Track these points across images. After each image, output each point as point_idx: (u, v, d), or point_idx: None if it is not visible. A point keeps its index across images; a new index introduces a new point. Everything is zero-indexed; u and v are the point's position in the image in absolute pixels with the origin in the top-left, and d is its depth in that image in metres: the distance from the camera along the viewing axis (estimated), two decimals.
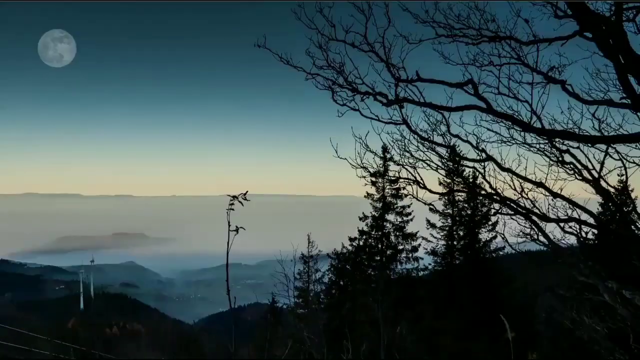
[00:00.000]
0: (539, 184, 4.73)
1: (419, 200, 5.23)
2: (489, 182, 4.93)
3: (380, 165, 21.70)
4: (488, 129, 5.02)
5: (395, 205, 21.90)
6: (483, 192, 5.11)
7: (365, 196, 22.27)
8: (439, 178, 21.55)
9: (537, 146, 4.96)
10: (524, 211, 4.94)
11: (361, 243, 22.12)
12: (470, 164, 5.01)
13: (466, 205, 22.31)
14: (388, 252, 21.78)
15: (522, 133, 4.85)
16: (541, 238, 6.49)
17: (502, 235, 6.35)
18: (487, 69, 4.76)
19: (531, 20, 5.85)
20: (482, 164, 4.98)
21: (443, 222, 22.26)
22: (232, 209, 2.62)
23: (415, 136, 4.82)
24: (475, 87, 4.51)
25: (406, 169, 5.09)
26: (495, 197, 5.23)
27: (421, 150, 5.87)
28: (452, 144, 4.84)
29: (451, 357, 18.58)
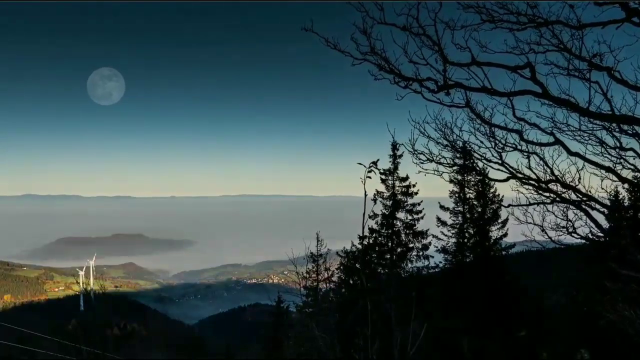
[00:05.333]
0: (609, 169, 4.58)
1: (480, 190, 5.07)
2: (550, 168, 4.78)
3: (391, 163, 21.64)
4: (538, 115, 4.88)
5: (406, 203, 21.71)
6: (548, 178, 4.93)
7: (375, 194, 22.09)
8: (449, 175, 21.55)
9: (593, 132, 4.81)
10: (585, 198, 4.79)
11: (371, 241, 21.92)
12: (538, 148, 4.85)
13: (476, 202, 22.17)
14: (398, 250, 21.58)
15: (579, 119, 4.71)
16: (578, 230, 6.36)
17: (541, 227, 6.19)
18: (544, 51, 4.60)
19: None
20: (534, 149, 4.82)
21: (453, 220, 22.11)
22: (370, 177, 2.49)
23: (478, 120, 4.66)
24: (533, 70, 4.37)
25: (473, 156, 4.93)
26: (543, 185, 5.07)
27: (462, 141, 5.71)
28: (519, 128, 4.68)
29: (464, 356, 18.43)
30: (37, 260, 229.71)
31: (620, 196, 15.78)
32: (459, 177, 21.46)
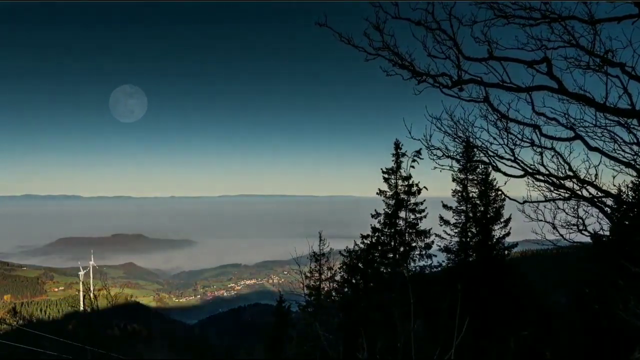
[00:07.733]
0: (628, 164, 4.54)
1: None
2: (568, 164, 4.73)
3: (394, 162, 21.59)
4: (552, 111, 4.83)
5: (408, 202, 21.64)
6: (564, 174, 4.88)
7: (377, 193, 22.04)
8: (452, 174, 21.50)
9: (607, 128, 4.77)
10: (601, 194, 4.74)
11: (374, 240, 21.85)
12: (557, 143, 4.81)
13: (479, 201, 22.11)
14: (401, 249, 21.52)
15: (594, 114, 4.66)
16: (589, 228, 6.33)
17: (553, 224, 6.15)
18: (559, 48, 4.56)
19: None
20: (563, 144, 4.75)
21: (456, 219, 22.05)
22: (413, 167, 2.40)
23: (495, 115, 4.62)
24: (550, 65, 4.33)
25: (486, 152, 4.89)
26: (557, 181, 5.02)
27: (475, 137, 5.67)
28: (537, 123, 4.64)
29: (468, 356, 18.37)
30: (37, 260, 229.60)
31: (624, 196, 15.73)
32: (462, 176, 21.43)
